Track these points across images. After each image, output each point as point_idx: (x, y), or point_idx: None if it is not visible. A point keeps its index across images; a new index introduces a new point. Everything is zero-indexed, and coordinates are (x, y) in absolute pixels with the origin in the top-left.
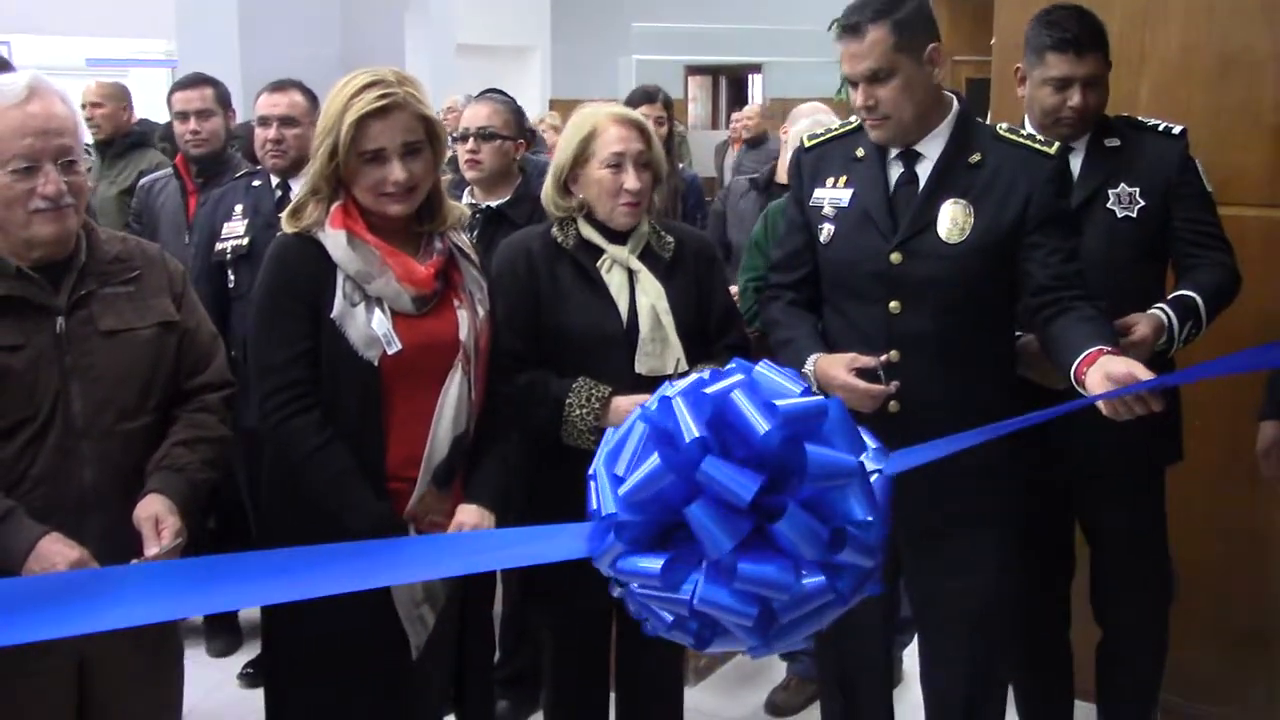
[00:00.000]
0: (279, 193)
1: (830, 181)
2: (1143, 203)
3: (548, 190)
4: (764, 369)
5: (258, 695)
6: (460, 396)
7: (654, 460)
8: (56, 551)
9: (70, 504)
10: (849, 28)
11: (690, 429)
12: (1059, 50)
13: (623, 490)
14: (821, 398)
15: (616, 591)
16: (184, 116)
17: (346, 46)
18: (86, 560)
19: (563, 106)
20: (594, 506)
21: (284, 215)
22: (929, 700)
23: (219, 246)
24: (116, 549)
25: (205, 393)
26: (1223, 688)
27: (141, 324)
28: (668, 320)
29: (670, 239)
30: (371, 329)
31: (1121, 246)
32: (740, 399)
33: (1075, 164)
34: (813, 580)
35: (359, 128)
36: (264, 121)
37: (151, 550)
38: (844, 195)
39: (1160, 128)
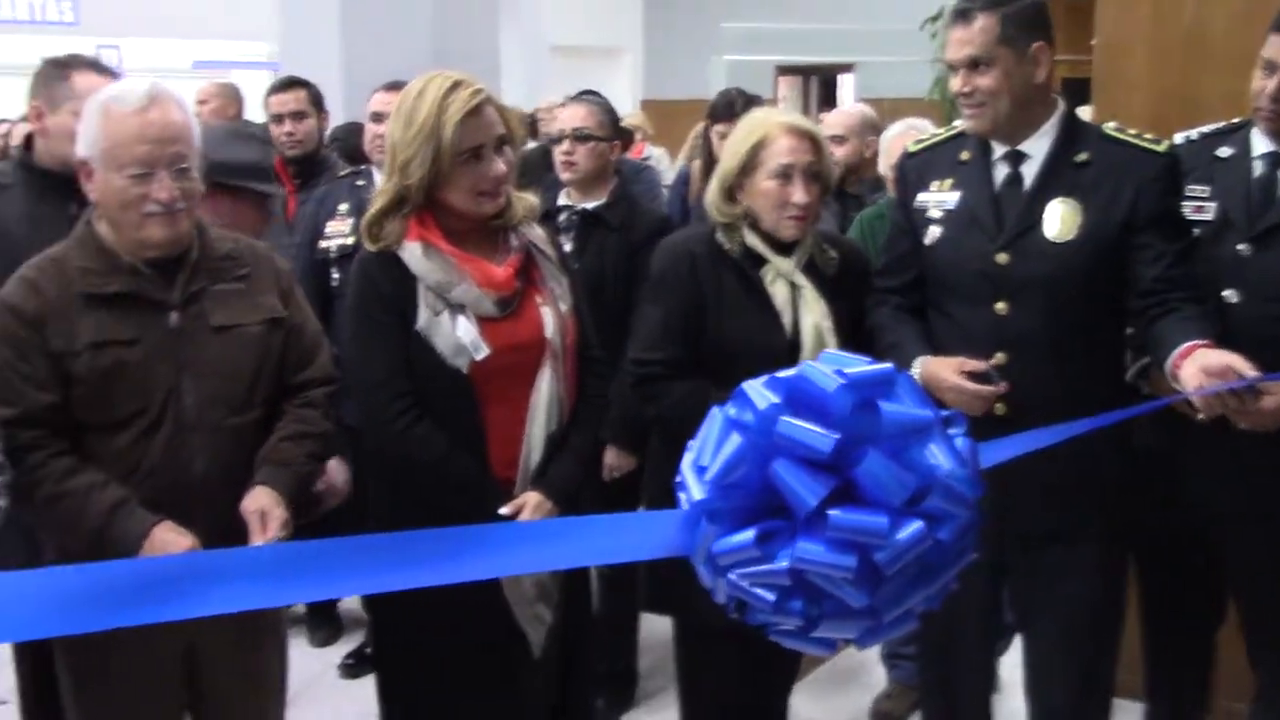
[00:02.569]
0: None
1: (935, 185)
2: None
3: (712, 196)
4: (831, 353)
5: (358, 685)
6: (551, 395)
7: (735, 440)
8: (169, 539)
9: (180, 495)
10: (960, 13)
11: (765, 397)
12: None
13: (709, 475)
14: (890, 366)
15: (718, 592)
16: (279, 119)
17: (442, 48)
18: (196, 548)
19: (653, 107)
20: (684, 501)
21: (362, 233)
22: (1034, 710)
23: (322, 245)
24: (224, 540)
25: (310, 388)
26: None
27: (250, 320)
28: (832, 340)
29: (834, 254)
30: (458, 337)
31: None
32: (811, 370)
33: None
34: (910, 527)
35: (462, 128)
36: (377, 118)
37: (257, 542)
38: (950, 198)
39: None
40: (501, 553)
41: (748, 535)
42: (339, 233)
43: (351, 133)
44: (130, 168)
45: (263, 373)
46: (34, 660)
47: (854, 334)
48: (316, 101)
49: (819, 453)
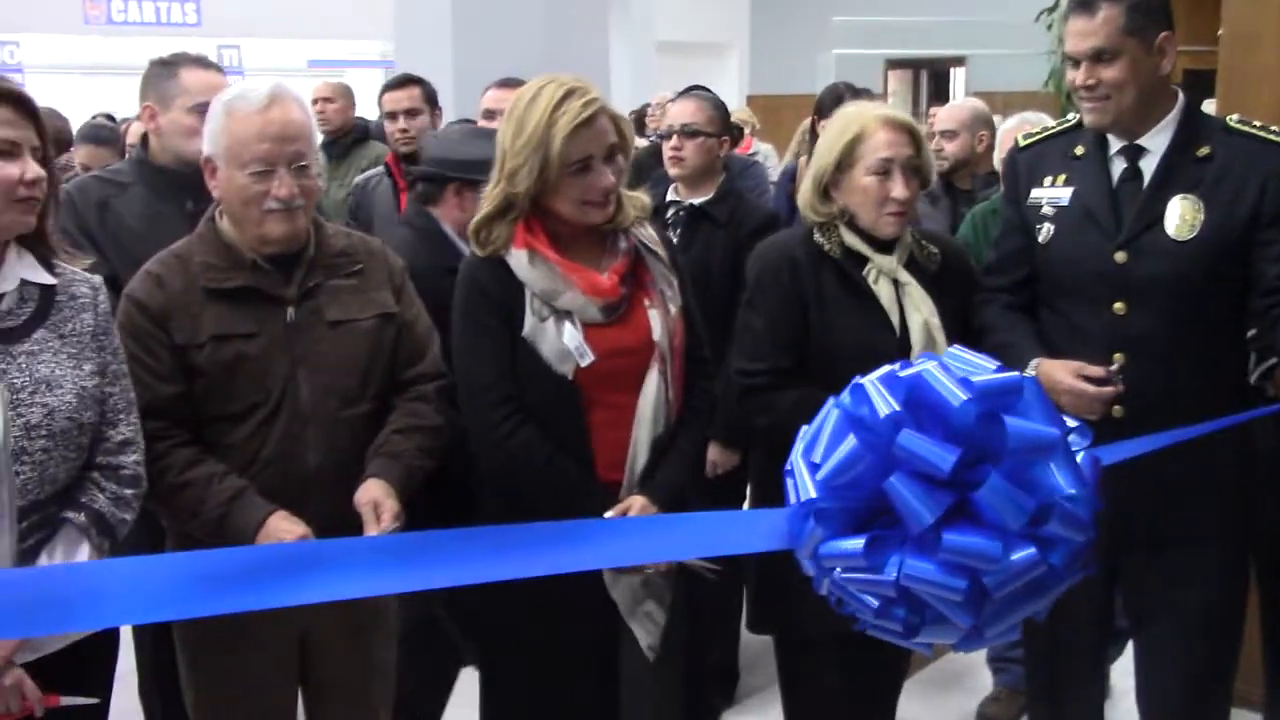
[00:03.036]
0: None
1: (1048, 180)
2: None
3: (805, 194)
4: (957, 351)
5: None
6: (658, 398)
7: (850, 442)
8: (284, 528)
9: (295, 486)
10: (1083, 4)
11: (886, 403)
12: None
13: (820, 475)
14: (1017, 374)
15: (821, 585)
16: (393, 116)
17: (552, 47)
18: (309, 538)
19: (760, 103)
20: (791, 499)
21: (470, 237)
22: (1146, 717)
23: None
24: (337, 530)
25: (421, 383)
26: None
27: (363, 315)
28: (941, 339)
29: (935, 249)
30: (563, 343)
31: None
32: (934, 376)
33: None
34: (1023, 553)
35: (571, 139)
36: (489, 115)
37: (371, 533)
38: (1064, 194)
39: None
40: (608, 544)
41: (857, 544)
42: None
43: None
44: (251, 165)
45: (375, 367)
46: (153, 641)
47: (962, 332)
48: (430, 99)
49: (938, 470)
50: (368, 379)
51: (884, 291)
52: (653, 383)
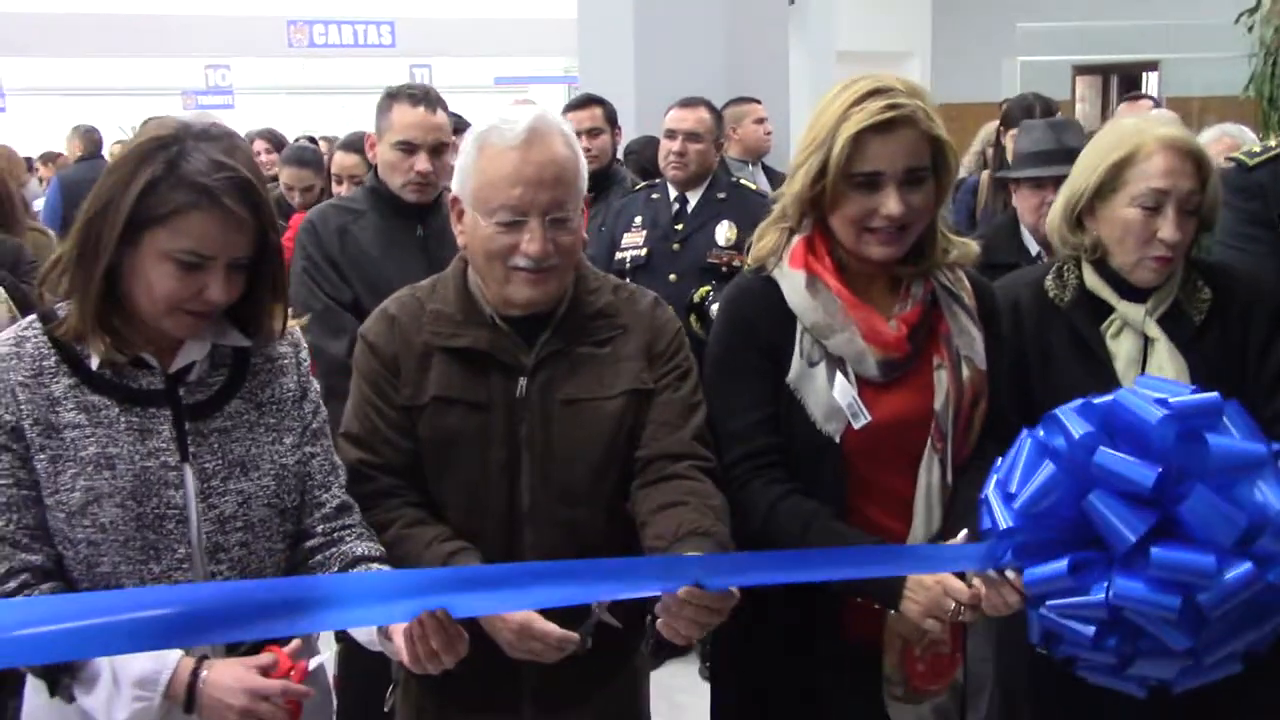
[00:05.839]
0: (677, 205)
1: None
2: None
3: (1054, 220)
4: (1149, 379)
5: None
6: (935, 488)
7: (1047, 467)
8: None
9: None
10: None
11: (1080, 425)
12: None
13: (1018, 504)
14: (1216, 395)
15: (1032, 627)
16: (575, 135)
17: (733, 59)
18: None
19: (943, 111)
20: (987, 525)
21: (755, 237)
22: None
23: (618, 256)
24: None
25: (670, 463)
26: None
27: (608, 393)
28: None
29: (1208, 292)
30: (833, 397)
31: None
32: (1130, 398)
33: None
34: (1238, 567)
35: (856, 144)
36: (670, 135)
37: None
38: None
39: None
40: (828, 565)
41: (1060, 565)
42: (633, 244)
43: (646, 145)
44: (500, 214)
45: (613, 458)
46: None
47: (1235, 384)
48: (610, 118)
49: (1140, 486)
50: (603, 473)
51: (1123, 348)
52: (932, 468)
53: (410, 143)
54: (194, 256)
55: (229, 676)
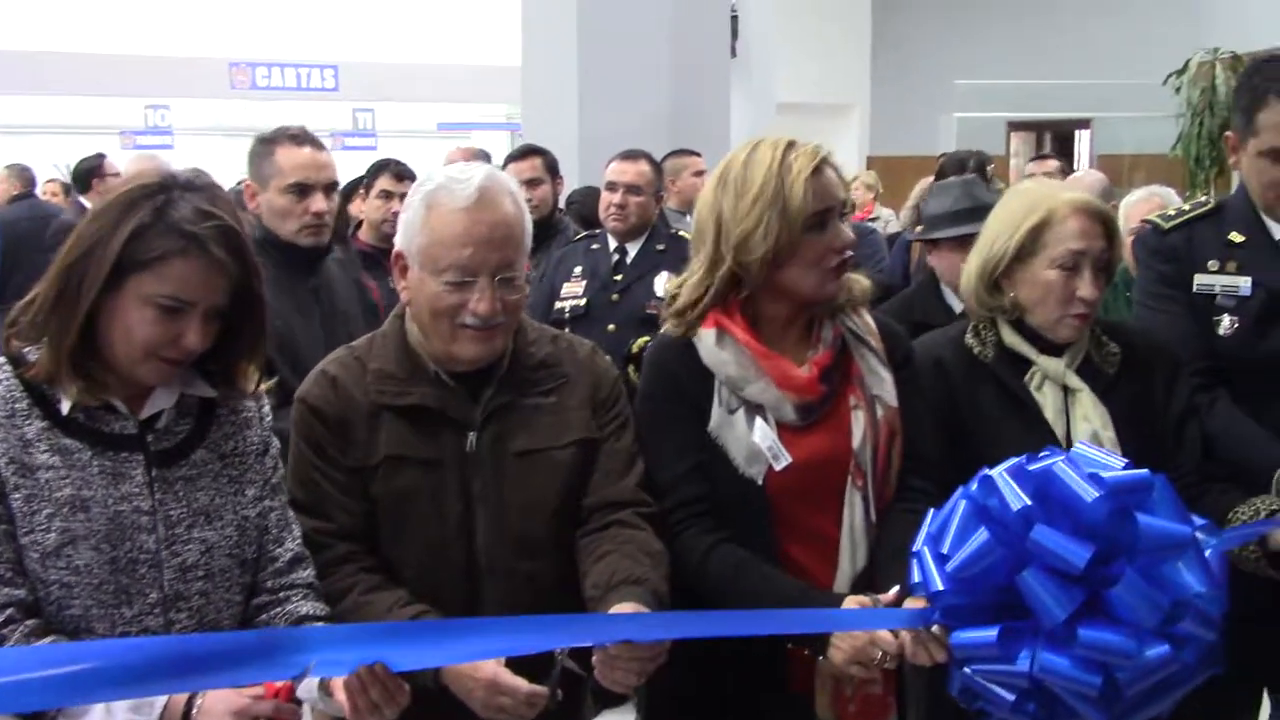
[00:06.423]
0: (616, 256)
1: (1212, 266)
2: None
3: (969, 283)
4: (1082, 448)
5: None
6: (855, 525)
7: (981, 534)
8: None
9: None
10: None
11: (1018, 498)
12: None
13: (950, 566)
14: (1146, 473)
15: (954, 683)
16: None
17: (676, 108)
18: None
19: (880, 164)
20: (915, 581)
21: (668, 314)
22: None
23: (557, 305)
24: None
25: (612, 510)
26: None
27: (558, 443)
28: (1116, 451)
29: (1115, 347)
30: (754, 441)
31: None
32: (1064, 471)
33: None
34: (1157, 649)
35: (810, 186)
36: (611, 187)
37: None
38: (1241, 283)
39: None
40: (757, 623)
41: (990, 633)
42: (573, 294)
43: (587, 196)
44: (449, 273)
45: (567, 509)
46: None
47: (1141, 441)
48: (551, 168)
49: (1072, 568)
50: (560, 522)
51: (1048, 399)
52: (855, 506)
53: (304, 184)
54: (175, 301)
55: (222, 702)
